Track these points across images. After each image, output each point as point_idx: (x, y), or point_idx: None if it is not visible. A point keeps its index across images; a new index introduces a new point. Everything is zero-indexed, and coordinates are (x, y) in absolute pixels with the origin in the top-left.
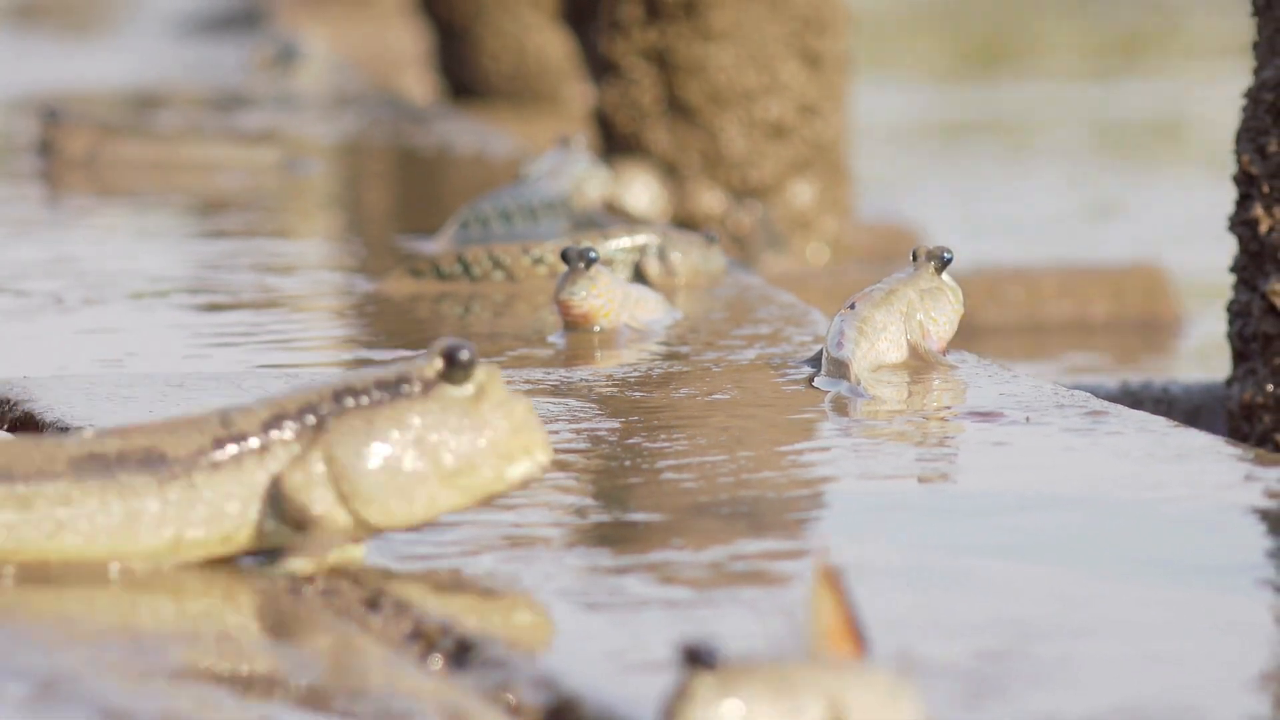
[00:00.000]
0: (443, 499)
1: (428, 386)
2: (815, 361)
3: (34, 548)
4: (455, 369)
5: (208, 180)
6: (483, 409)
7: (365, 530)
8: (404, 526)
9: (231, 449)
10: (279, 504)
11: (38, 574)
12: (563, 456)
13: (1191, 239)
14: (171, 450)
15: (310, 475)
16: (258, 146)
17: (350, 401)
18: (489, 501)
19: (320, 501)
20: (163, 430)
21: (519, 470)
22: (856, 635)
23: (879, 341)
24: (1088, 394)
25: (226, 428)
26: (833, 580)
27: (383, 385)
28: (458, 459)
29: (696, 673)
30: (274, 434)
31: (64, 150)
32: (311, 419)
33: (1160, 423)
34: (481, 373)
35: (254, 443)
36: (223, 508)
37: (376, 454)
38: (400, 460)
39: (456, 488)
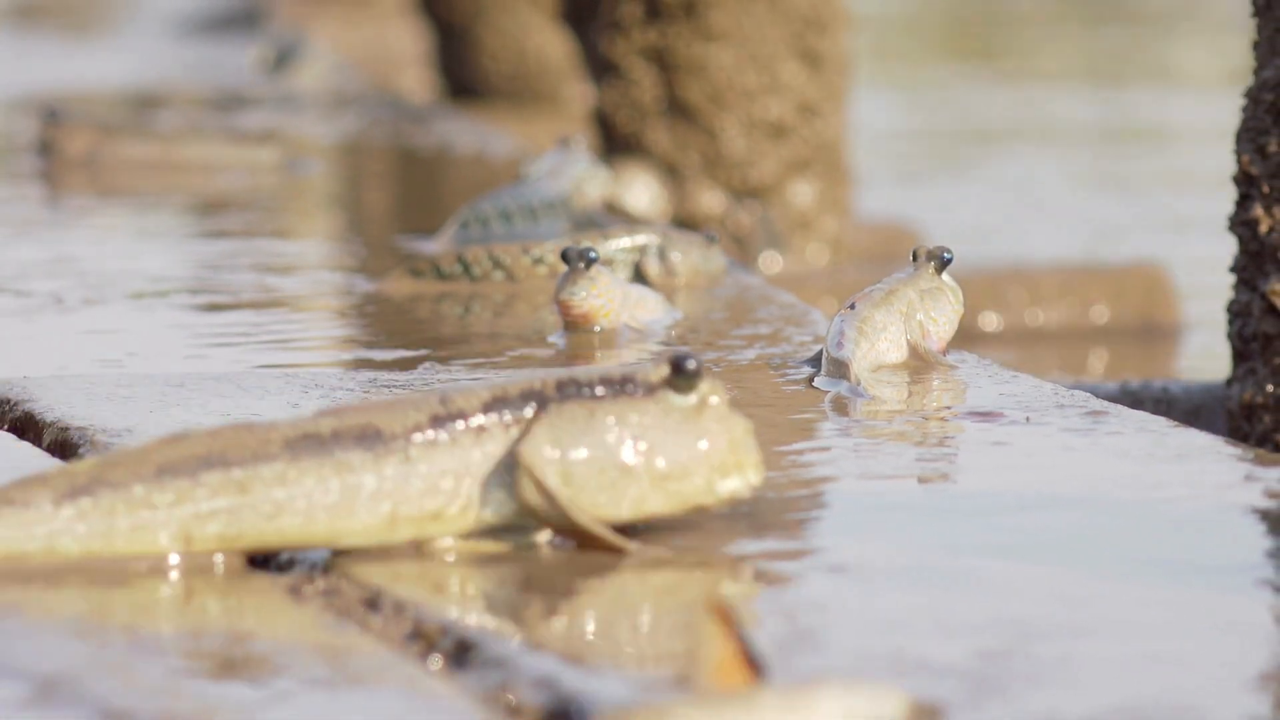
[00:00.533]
0: (650, 501)
1: (652, 390)
2: (815, 361)
3: (254, 532)
4: (681, 377)
5: (208, 180)
6: (702, 420)
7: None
8: (608, 521)
9: (449, 427)
10: (507, 478)
11: (38, 573)
12: None
13: (1192, 238)
14: (387, 427)
15: (543, 454)
16: (258, 146)
17: (573, 391)
18: (695, 512)
19: (551, 480)
20: (379, 408)
21: (729, 485)
22: (751, 667)
23: (879, 341)
24: (1088, 394)
25: (445, 406)
26: (723, 613)
27: (607, 382)
28: (670, 464)
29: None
30: (492, 415)
31: (64, 150)
32: (533, 404)
33: (1160, 423)
34: (706, 385)
35: (472, 422)
36: (437, 484)
37: (592, 444)
38: (614, 455)
39: (665, 492)
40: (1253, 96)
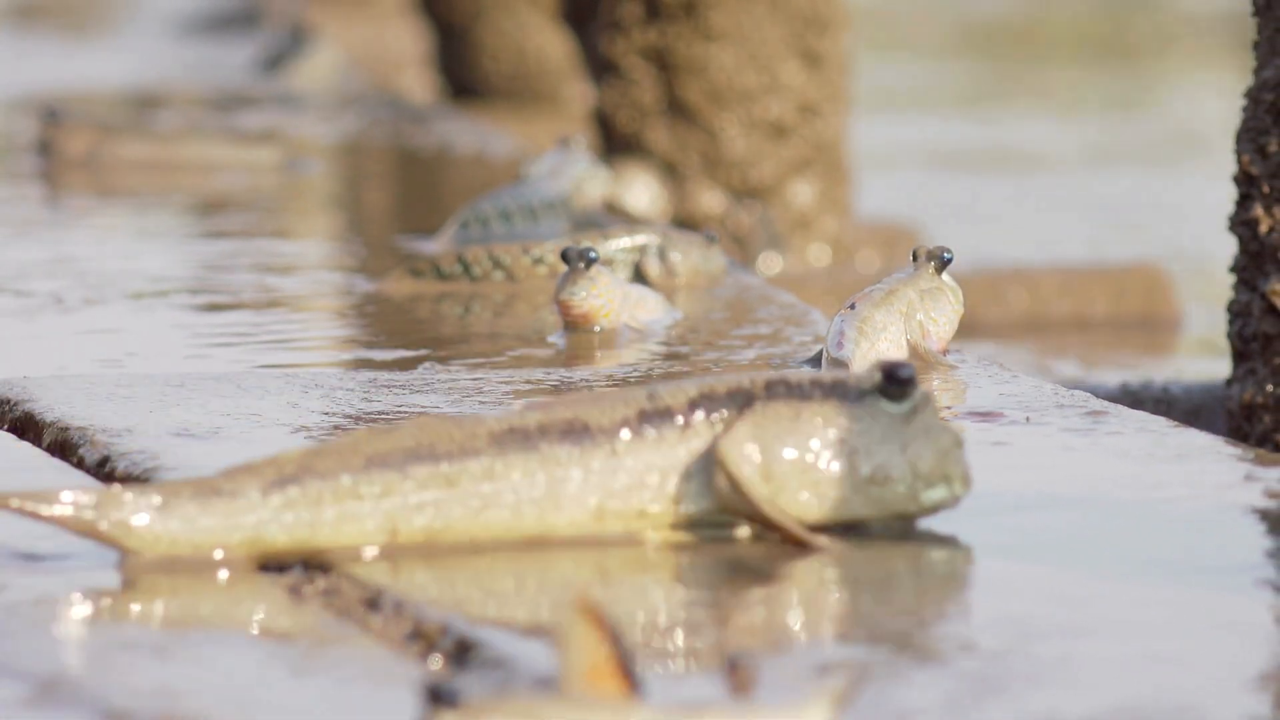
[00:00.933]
0: (852, 504)
1: (862, 396)
2: (815, 361)
3: (461, 526)
4: (894, 385)
5: (208, 180)
6: (912, 429)
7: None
8: (808, 522)
9: (656, 422)
10: (707, 473)
11: (40, 572)
12: None
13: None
14: (595, 422)
15: (744, 450)
16: (258, 146)
17: (782, 391)
18: (898, 519)
19: (745, 475)
20: (586, 402)
21: (934, 495)
22: (624, 673)
23: (879, 341)
24: (1088, 394)
25: (652, 402)
26: (594, 616)
27: (818, 384)
28: (874, 470)
29: (439, 712)
30: (699, 412)
31: (64, 150)
32: (740, 401)
33: (1160, 423)
34: (919, 395)
35: (679, 419)
36: (643, 479)
37: (796, 445)
38: (819, 456)
39: (867, 497)
40: (1253, 97)
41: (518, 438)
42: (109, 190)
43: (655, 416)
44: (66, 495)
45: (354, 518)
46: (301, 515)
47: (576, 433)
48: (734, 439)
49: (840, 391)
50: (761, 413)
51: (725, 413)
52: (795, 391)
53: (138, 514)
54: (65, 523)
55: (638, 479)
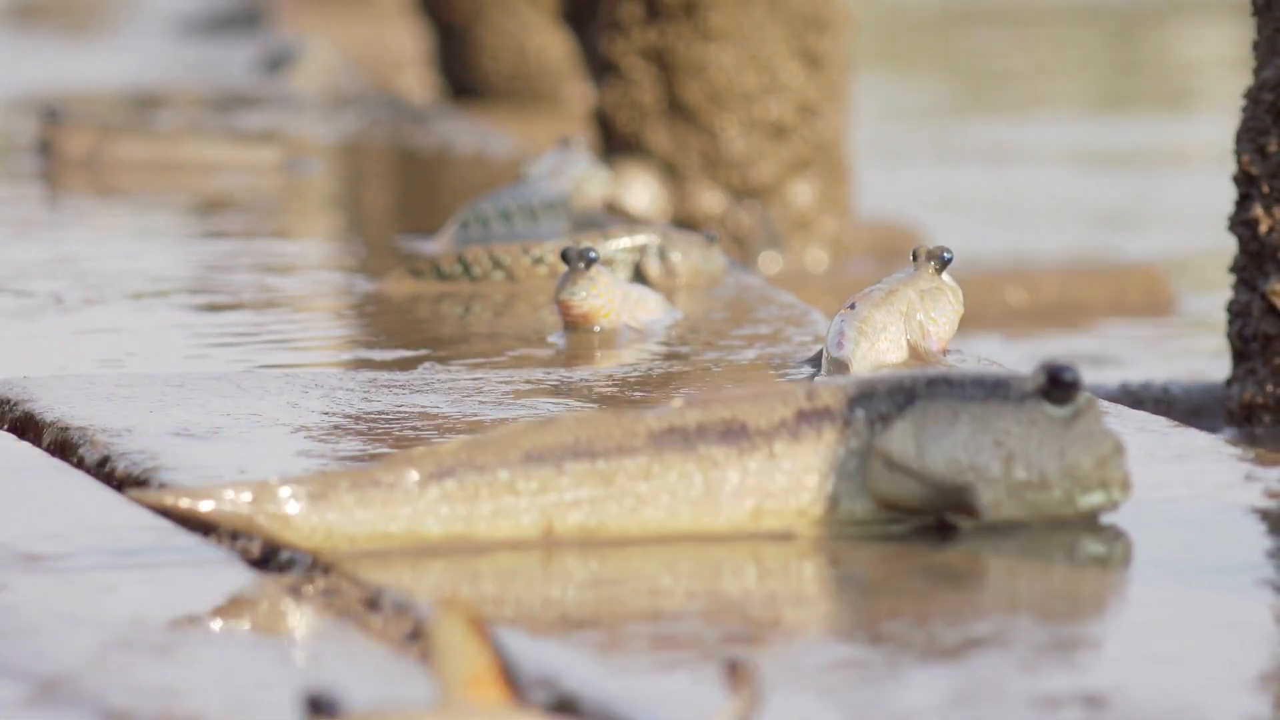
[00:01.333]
0: (1006, 507)
1: (1024, 398)
2: (815, 361)
3: (615, 524)
4: (1057, 389)
5: (208, 180)
6: (1072, 433)
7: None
8: (969, 522)
9: (814, 422)
10: (867, 471)
11: (37, 569)
12: None
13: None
14: (752, 421)
15: (900, 448)
16: (258, 146)
17: (943, 390)
18: (1052, 522)
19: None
20: (744, 401)
21: (1091, 500)
22: (505, 679)
23: (879, 341)
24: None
25: (811, 401)
26: (471, 621)
27: (979, 384)
28: (1030, 473)
29: None
30: (859, 411)
31: (64, 150)
32: (900, 400)
33: (1160, 423)
34: (1082, 399)
35: (838, 418)
36: (801, 480)
37: (955, 442)
38: (975, 456)
39: (1022, 500)
40: (1253, 97)
41: (676, 437)
42: (109, 190)
43: (814, 416)
44: (224, 491)
45: (510, 513)
46: (458, 509)
47: (734, 433)
48: (892, 436)
49: (1002, 392)
50: (922, 411)
51: (885, 410)
52: (956, 391)
53: (294, 506)
54: (223, 519)
55: (797, 480)
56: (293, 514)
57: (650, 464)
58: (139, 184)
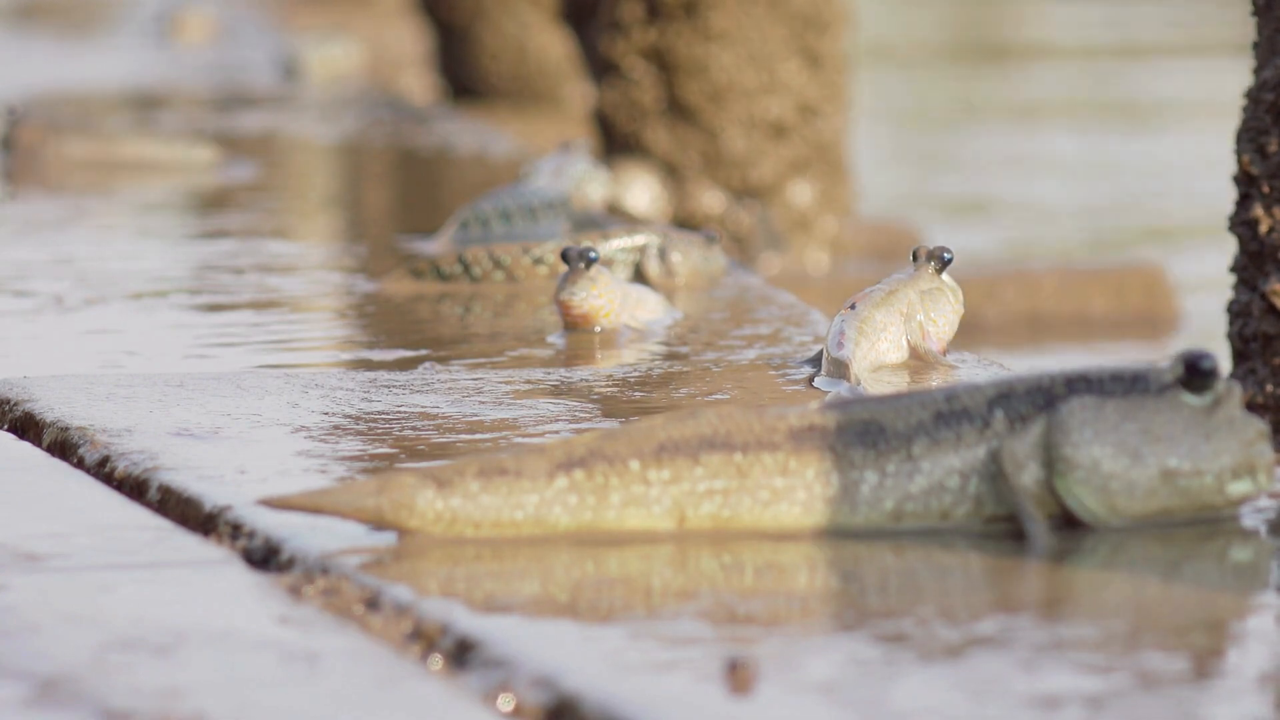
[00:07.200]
0: (1161, 495)
1: (1164, 389)
2: (815, 361)
3: (749, 516)
4: (1196, 378)
5: (142, 178)
6: (1215, 420)
7: (1085, 514)
8: (1123, 515)
9: (953, 424)
10: (996, 474)
11: (37, 567)
12: None
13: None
14: (891, 424)
15: (1027, 447)
16: (191, 147)
17: (1083, 387)
18: (1204, 511)
19: (1029, 474)
20: (884, 403)
21: (1240, 487)
22: None
23: (879, 342)
24: None
25: (949, 403)
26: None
27: (1118, 379)
28: (1181, 461)
29: None
30: (998, 411)
31: (24, 146)
32: (1040, 399)
33: None
34: (1222, 386)
35: (977, 419)
36: (941, 482)
37: (1103, 439)
38: (1123, 449)
39: (1176, 489)
40: (1253, 97)
41: (815, 435)
42: (54, 187)
43: (953, 418)
44: (348, 484)
45: (640, 502)
46: (586, 498)
47: (872, 434)
48: (1021, 439)
49: (1142, 386)
50: (1064, 410)
51: (1025, 410)
52: (1096, 387)
53: (420, 494)
54: (347, 512)
55: (937, 483)
56: (418, 502)
57: (788, 460)
58: (80, 181)
